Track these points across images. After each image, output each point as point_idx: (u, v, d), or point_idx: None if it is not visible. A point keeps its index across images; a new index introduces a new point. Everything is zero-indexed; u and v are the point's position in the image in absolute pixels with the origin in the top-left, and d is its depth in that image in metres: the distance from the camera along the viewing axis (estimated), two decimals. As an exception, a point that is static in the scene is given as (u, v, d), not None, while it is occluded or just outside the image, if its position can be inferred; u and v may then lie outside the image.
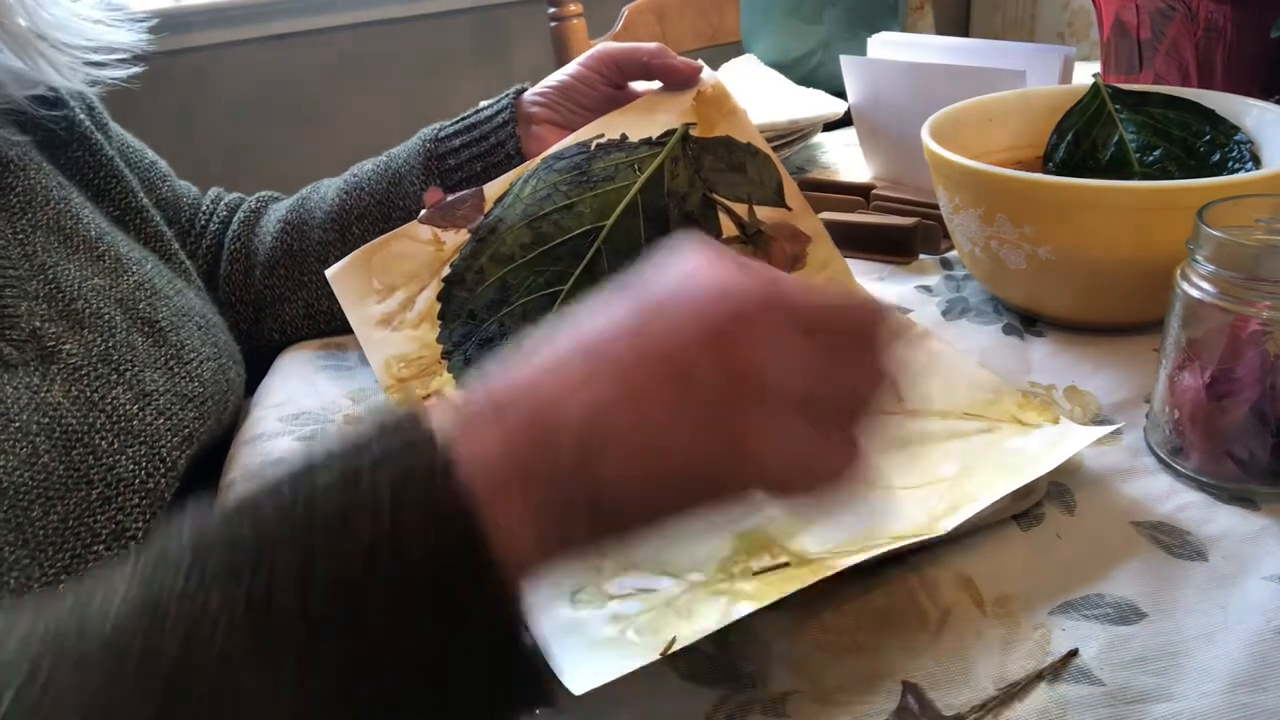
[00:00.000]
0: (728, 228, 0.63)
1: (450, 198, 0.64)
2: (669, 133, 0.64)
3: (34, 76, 0.54)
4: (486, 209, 0.63)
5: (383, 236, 0.62)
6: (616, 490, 0.30)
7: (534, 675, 0.30)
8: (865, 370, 0.33)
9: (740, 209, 0.63)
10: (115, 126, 0.66)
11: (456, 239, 0.62)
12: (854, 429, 0.33)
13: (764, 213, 0.64)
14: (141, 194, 0.63)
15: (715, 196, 0.63)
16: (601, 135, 0.64)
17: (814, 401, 0.31)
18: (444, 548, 0.27)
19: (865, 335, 0.33)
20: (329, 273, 0.63)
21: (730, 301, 0.31)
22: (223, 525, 0.28)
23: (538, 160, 0.64)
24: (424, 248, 0.62)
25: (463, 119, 0.69)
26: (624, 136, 0.64)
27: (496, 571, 0.27)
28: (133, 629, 0.26)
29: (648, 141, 0.64)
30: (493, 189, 0.64)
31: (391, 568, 0.26)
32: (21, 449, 0.44)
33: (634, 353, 0.31)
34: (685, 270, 0.32)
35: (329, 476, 0.28)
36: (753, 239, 0.62)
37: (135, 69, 0.60)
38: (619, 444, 0.29)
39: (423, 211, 0.63)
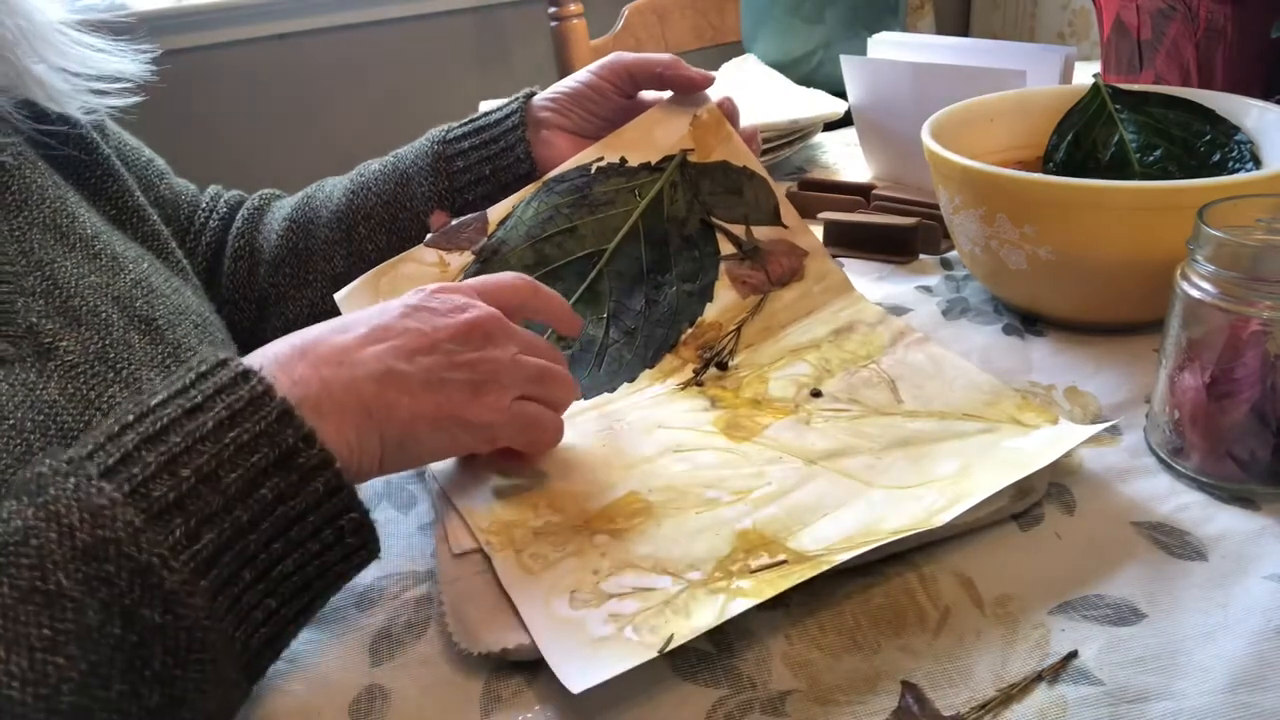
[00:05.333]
0: (726, 247, 0.64)
1: (454, 221, 0.65)
2: (667, 158, 0.65)
3: (16, 86, 0.54)
4: (490, 231, 0.64)
5: (389, 260, 0.63)
6: (404, 426, 0.42)
7: (367, 535, 0.39)
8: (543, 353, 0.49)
9: (738, 230, 0.64)
10: (112, 125, 0.66)
11: (461, 260, 0.63)
12: (547, 402, 0.48)
13: (761, 232, 0.64)
14: (138, 193, 0.62)
15: (713, 219, 0.64)
16: (601, 158, 0.65)
17: (522, 382, 0.46)
18: (279, 455, 0.37)
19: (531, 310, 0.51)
20: (338, 296, 0.64)
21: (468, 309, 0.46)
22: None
23: (539, 183, 0.65)
24: (429, 270, 0.63)
25: (472, 121, 0.69)
26: (623, 160, 0.65)
27: (324, 463, 0.37)
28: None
29: (646, 167, 0.65)
30: (495, 212, 0.64)
31: (237, 467, 0.36)
32: (15, 446, 0.44)
33: (400, 326, 0.44)
34: (427, 289, 0.47)
35: (174, 411, 0.36)
36: (750, 255, 0.63)
37: (137, 98, 0.60)
38: (407, 394, 0.42)
39: (428, 235, 0.64)
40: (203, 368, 0.38)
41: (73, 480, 0.34)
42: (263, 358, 0.41)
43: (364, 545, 0.40)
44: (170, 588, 0.33)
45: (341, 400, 0.40)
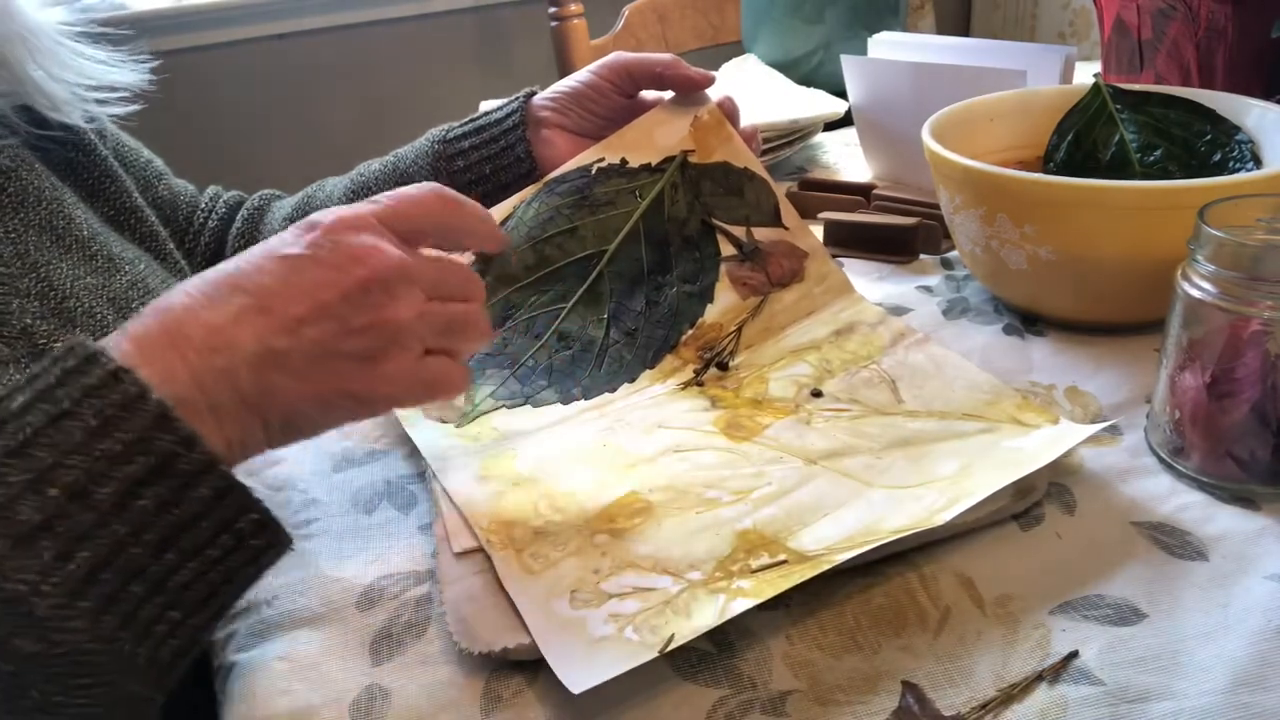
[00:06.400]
0: (726, 248, 0.64)
1: None
2: (668, 159, 0.65)
3: (17, 91, 0.55)
4: None
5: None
6: (288, 409, 0.38)
7: (272, 532, 0.37)
8: (461, 288, 0.43)
9: (738, 231, 0.64)
10: (110, 126, 0.66)
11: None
12: (453, 352, 0.43)
13: (761, 234, 0.64)
14: (136, 194, 0.63)
15: (714, 221, 0.64)
16: (602, 159, 0.65)
17: (428, 337, 0.41)
18: (158, 462, 0.34)
19: (446, 227, 0.45)
20: None
21: (355, 247, 0.40)
22: None
23: (540, 184, 0.65)
24: None
25: (472, 120, 0.69)
26: (624, 161, 0.65)
27: (208, 466, 0.35)
28: None
29: (647, 168, 0.65)
30: (496, 213, 0.65)
31: (113, 478, 0.33)
32: None
33: (282, 289, 0.38)
34: (316, 226, 0.40)
35: (39, 418, 0.33)
36: (751, 256, 0.63)
37: (136, 106, 0.61)
38: (289, 375, 0.37)
39: None
40: (69, 363, 0.34)
41: None
42: (130, 341, 0.36)
43: (271, 543, 0.37)
44: (42, 614, 0.31)
45: (215, 393, 0.36)
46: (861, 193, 0.83)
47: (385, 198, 0.43)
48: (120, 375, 0.34)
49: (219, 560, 0.36)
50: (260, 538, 0.37)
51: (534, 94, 0.70)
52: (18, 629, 0.31)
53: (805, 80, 1.18)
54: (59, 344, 0.49)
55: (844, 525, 0.44)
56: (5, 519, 0.32)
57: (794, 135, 0.95)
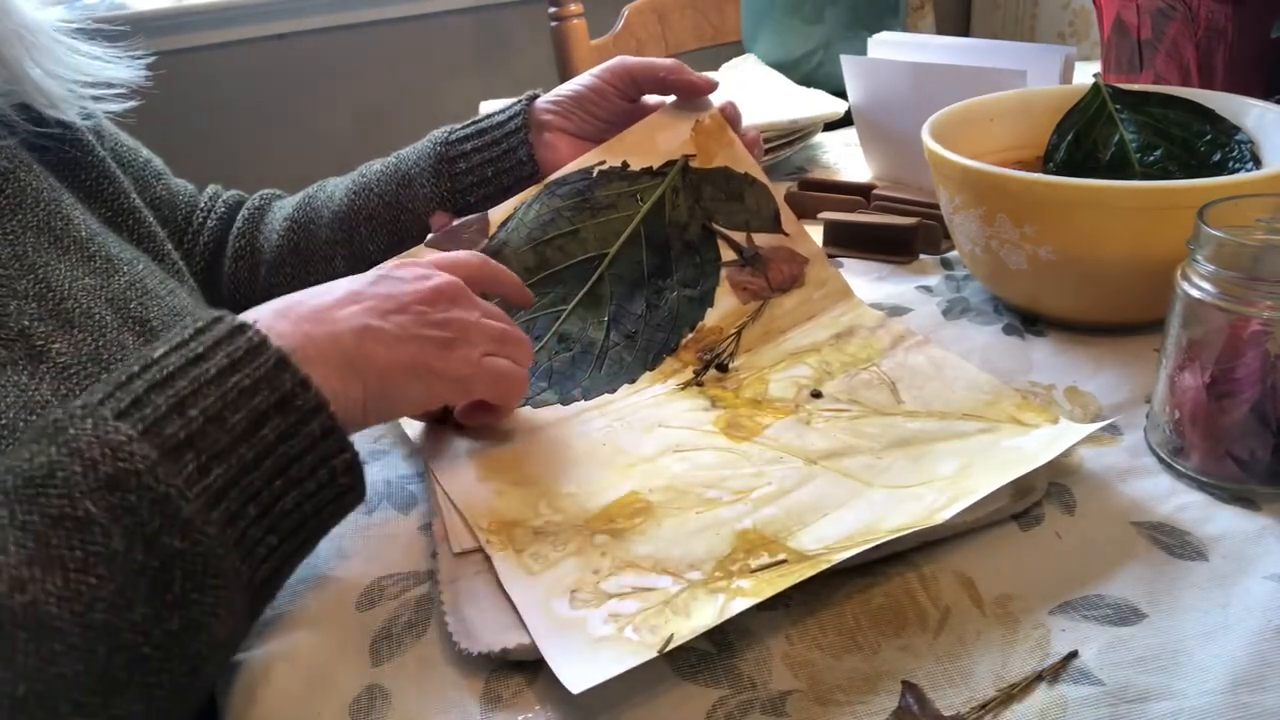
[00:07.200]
0: (727, 253, 0.64)
1: (456, 222, 0.65)
2: (669, 163, 0.65)
3: (14, 90, 0.55)
4: (491, 232, 0.64)
5: (388, 261, 0.63)
6: (383, 373, 0.45)
7: (357, 476, 0.42)
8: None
9: (739, 236, 0.64)
10: (108, 126, 0.66)
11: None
12: (516, 359, 0.51)
13: (762, 239, 0.64)
14: (134, 194, 0.63)
15: (714, 226, 0.64)
16: (604, 161, 0.65)
17: (489, 342, 0.50)
18: (279, 398, 0.39)
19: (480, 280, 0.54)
20: None
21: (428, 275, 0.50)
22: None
23: (540, 186, 0.65)
24: None
25: (474, 123, 0.69)
26: (625, 164, 0.65)
27: (319, 407, 0.40)
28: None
29: (648, 171, 0.65)
30: (497, 214, 0.64)
31: (242, 408, 0.38)
32: (8, 446, 0.44)
33: (371, 292, 0.47)
34: (384, 266, 0.51)
35: (178, 360, 0.39)
36: (751, 261, 0.63)
37: (132, 103, 0.62)
38: (383, 345, 0.45)
39: (429, 235, 0.64)
40: (199, 324, 0.41)
41: (90, 421, 0.36)
42: (251, 316, 0.43)
43: (353, 486, 0.42)
44: (187, 516, 0.36)
45: (325, 351, 0.43)
46: (861, 193, 0.83)
47: (433, 258, 0.53)
48: (244, 328, 0.40)
49: (313, 494, 0.40)
50: (347, 478, 0.41)
51: (537, 97, 0.70)
52: (166, 527, 0.35)
53: (805, 80, 1.18)
54: (57, 345, 0.50)
55: (844, 525, 0.44)
56: (155, 433, 0.36)
57: (794, 135, 0.95)
